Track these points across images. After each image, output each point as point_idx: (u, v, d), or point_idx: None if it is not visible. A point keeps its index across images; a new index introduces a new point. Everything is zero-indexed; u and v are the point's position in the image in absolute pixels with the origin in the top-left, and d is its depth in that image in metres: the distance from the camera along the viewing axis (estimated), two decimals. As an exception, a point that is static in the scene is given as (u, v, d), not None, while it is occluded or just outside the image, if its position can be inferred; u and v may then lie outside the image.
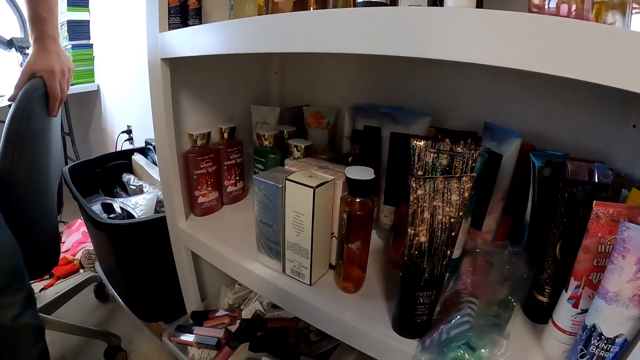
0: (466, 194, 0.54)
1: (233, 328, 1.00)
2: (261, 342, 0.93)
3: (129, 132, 2.21)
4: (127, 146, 2.27)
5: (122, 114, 2.35)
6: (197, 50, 0.76)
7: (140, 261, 1.21)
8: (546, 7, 0.49)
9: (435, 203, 0.54)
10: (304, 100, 1.18)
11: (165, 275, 1.13)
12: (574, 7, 0.47)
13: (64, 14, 2.28)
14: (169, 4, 0.83)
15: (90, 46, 2.42)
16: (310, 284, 0.75)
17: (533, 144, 0.79)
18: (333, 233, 0.75)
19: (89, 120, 2.65)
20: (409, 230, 0.55)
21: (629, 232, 0.47)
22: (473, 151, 0.61)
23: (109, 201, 1.38)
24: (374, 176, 0.65)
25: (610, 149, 0.78)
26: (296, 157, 0.88)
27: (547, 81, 0.82)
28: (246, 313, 1.04)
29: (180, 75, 0.92)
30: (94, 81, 2.49)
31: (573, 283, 0.56)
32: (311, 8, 0.70)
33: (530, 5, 0.50)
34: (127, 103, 2.30)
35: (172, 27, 0.84)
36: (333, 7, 0.67)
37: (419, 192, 0.53)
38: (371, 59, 1.05)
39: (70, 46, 2.33)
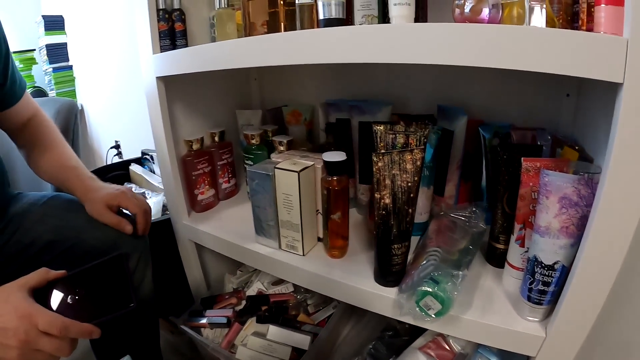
0: (418, 163, 0.69)
1: (239, 308, 1.14)
2: (266, 315, 1.06)
3: (117, 147, 2.30)
4: (117, 161, 2.35)
5: (109, 131, 2.44)
6: (187, 68, 0.90)
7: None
8: (465, 13, 0.63)
9: (394, 172, 0.68)
10: (282, 101, 1.32)
11: (173, 273, 1.25)
12: (486, 11, 0.61)
13: (42, 39, 2.36)
14: (158, 29, 0.97)
15: (70, 67, 2.49)
16: (303, 254, 0.89)
17: (483, 119, 0.93)
18: (318, 210, 0.90)
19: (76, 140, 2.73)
20: (376, 195, 0.70)
21: (548, 178, 0.60)
22: (424, 129, 0.76)
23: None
24: (346, 157, 0.80)
25: (551, 117, 0.91)
26: (280, 151, 1.03)
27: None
28: (249, 293, 1.18)
29: (173, 90, 1.04)
30: (76, 101, 2.53)
31: (517, 226, 0.70)
32: (282, 28, 0.85)
33: (453, 15, 0.64)
34: (112, 119, 2.39)
35: (163, 48, 0.98)
36: (300, 28, 0.81)
37: (380, 164, 0.68)
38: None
39: (50, 69, 2.41)
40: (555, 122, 0.91)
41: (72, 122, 1.84)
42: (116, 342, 1.01)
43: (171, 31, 1.00)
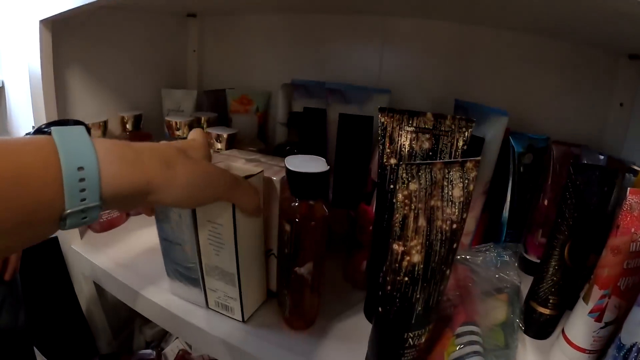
0: (471, 187, 0.37)
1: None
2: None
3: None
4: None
5: (31, 114, 2.04)
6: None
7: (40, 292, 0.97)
8: None
9: (433, 202, 0.35)
10: (229, 83, 1.03)
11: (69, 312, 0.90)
12: None
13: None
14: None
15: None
16: (243, 321, 0.55)
17: (508, 127, 0.66)
18: (271, 250, 0.55)
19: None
20: (395, 247, 0.37)
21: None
22: (464, 128, 0.44)
23: None
24: (327, 168, 0.46)
25: (594, 130, 0.74)
26: (217, 149, 0.72)
27: (523, 53, 0.75)
28: (168, 353, 0.83)
29: (69, 48, 0.74)
30: (-4, 76, 2.15)
31: (597, 292, 0.46)
32: None
33: None
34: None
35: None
36: None
37: (412, 186, 0.35)
38: (309, 28, 0.91)
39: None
40: (597, 137, 0.74)
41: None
42: None
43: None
